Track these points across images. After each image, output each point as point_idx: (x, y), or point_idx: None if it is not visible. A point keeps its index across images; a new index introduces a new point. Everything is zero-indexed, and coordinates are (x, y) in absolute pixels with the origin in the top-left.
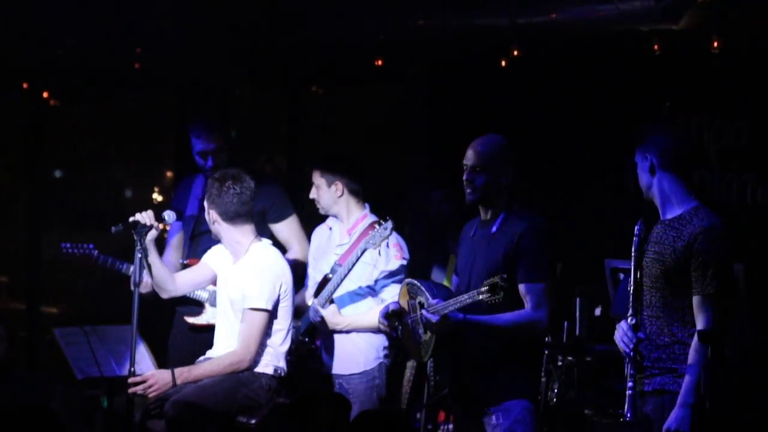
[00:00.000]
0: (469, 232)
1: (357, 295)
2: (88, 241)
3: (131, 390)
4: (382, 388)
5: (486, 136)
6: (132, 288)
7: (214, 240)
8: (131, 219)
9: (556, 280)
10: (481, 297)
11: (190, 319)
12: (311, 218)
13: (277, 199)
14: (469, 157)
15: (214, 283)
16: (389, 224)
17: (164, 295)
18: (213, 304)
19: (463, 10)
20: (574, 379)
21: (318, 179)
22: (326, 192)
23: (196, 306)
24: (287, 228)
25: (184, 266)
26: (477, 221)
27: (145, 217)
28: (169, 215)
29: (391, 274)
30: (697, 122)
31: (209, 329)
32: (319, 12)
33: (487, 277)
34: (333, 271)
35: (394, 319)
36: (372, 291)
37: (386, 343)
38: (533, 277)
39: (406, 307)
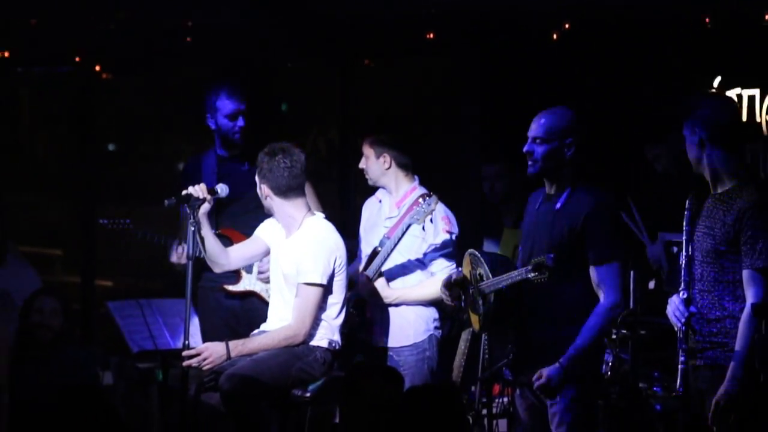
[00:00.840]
0: (534, 205)
1: (406, 268)
2: (142, 215)
3: (186, 363)
4: (433, 360)
5: (552, 108)
6: (186, 261)
7: (236, 210)
8: (184, 192)
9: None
10: (528, 276)
11: (229, 287)
12: (365, 190)
13: None
14: (532, 128)
15: (266, 255)
16: (433, 199)
17: (217, 270)
18: (249, 271)
19: None
20: (628, 352)
21: (367, 150)
22: (374, 163)
23: (221, 279)
24: None
25: (218, 236)
26: (542, 193)
27: (198, 190)
28: (221, 188)
29: (440, 248)
30: (749, 95)
31: (242, 296)
32: None
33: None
34: (381, 244)
35: (456, 288)
36: (421, 264)
37: (436, 315)
38: (604, 258)
39: (468, 277)
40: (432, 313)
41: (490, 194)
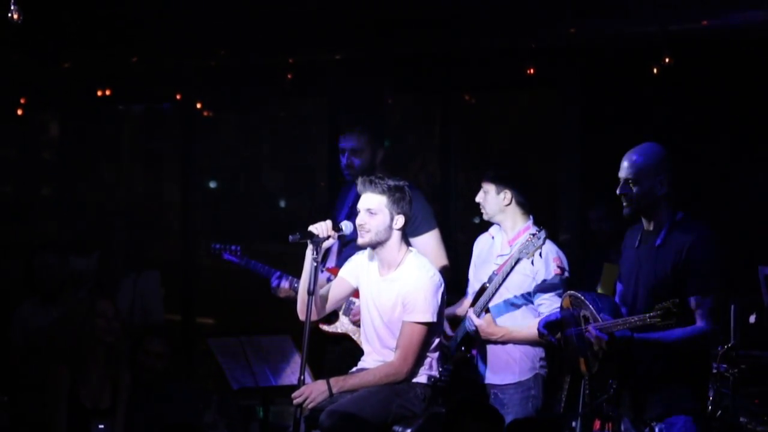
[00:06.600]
0: (633, 242)
1: (513, 306)
2: (245, 251)
3: (296, 402)
4: (538, 400)
5: (639, 146)
6: (307, 296)
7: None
8: (310, 228)
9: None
10: (652, 321)
11: (325, 327)
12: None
13: (422, 210)
14: (623, 169)
15: (351, 296)
16: (543, 234)
17: (303, 317)
18: (346, 313)
19: (615, 17)
20: (729, 387)
21: (487, 185)
22: (494, 198)
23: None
24: (429, 242)
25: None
26: (640, 230)
27: (322, 228)
28: (346, 225)
29: (549, 287)
30: None
31: (343, 338)
32: (471, 19)
33: (655, 292)
34: (490, 280)
35: (555, 329)
36: (529, 302)
37: (542, 354)
38: (703, 289)
39: (568, 319)
40: (538, 351)
41: (598, 235)
